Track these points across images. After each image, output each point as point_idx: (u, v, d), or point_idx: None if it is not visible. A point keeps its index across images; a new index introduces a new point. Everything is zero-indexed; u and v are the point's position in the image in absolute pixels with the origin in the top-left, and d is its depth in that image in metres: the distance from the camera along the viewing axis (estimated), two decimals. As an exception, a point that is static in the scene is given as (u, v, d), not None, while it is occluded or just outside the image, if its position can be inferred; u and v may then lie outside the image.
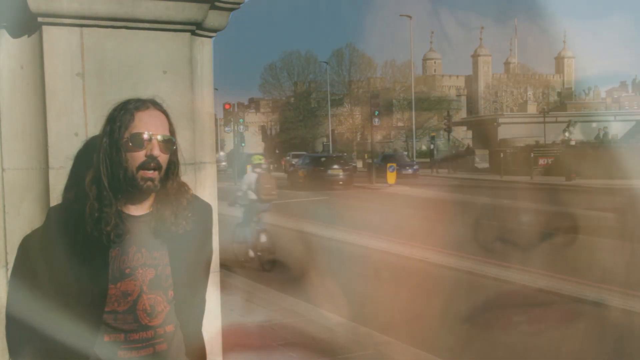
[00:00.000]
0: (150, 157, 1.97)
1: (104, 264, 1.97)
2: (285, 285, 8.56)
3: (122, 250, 1.99)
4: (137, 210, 2.05)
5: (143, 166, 1.97)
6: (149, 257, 2.02)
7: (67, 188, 2.15)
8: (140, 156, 1.98)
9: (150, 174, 1.98)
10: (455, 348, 6.21)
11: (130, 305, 2.00)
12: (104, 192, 1.97)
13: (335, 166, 28.47)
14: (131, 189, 2.00)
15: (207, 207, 2.22)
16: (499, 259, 10.08)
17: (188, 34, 2.44)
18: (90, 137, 2.22)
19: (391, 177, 28.52)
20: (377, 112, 33.14)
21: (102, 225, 1.95)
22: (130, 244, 2.01)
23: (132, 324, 2.00)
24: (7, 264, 2.23)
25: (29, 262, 2.19)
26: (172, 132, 2.05)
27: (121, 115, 2.00)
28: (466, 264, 9.89)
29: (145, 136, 1.97)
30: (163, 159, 2.01)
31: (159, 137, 1.99)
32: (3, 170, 2.24)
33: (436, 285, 8.84)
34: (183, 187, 2.10)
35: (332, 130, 67.50)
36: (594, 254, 10.31)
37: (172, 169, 2.05)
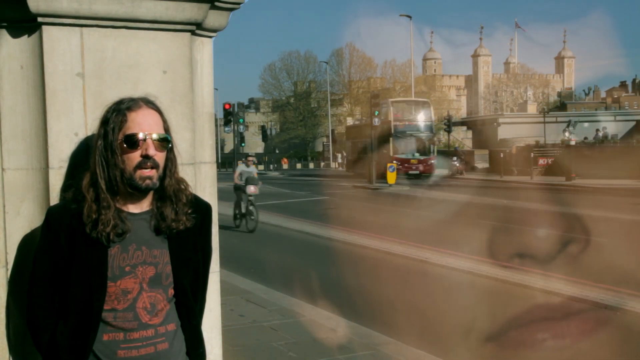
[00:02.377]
0: (146, 157, 1.98)
1: (103, 263, 1.97)
2: (286, 285, 8.56)
3: (122, 248, 2.00)
4: (136, 208, 2.05)
5: (140, 166, 1.97)
6: (149, 255, 2.03)
7: (66, 188, 2.15)
8: (135, 157, 1.98)
9: (148, 172, 1.98)
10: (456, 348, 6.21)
11: (130, 303, 2.00)
12: (101, 195, 1.98)
13: None
14: (130, 189, 2.00)
15: (207, 207, 2.22)
16: (498, 259, 10.06)
17: (188, 34, 2.44)
18: (86, 137, 2.21)
19: (391, 177, 28.51)
20: (377, 112, 33.16)
21: (101, 227, 1.95)
22: (130, 241, 2.01)
23: (132, 321, 2.00)
24: (7, 264, 2.23)
25: (29, 261, 2.19)
26: (166, 129, 2.05)
27: (114, 117, 2.00)
28: (465, 264, 9.89)
29: (140, 136, 1.97)
30: (159, 157, 2.01)
31: (154, 137, 1.99)
32: (3, 170, 2.24)
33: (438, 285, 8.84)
34: (182, 184, 2.10)
35: (332, 130, 67.50)
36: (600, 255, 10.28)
37: (169, 167, 2.05)
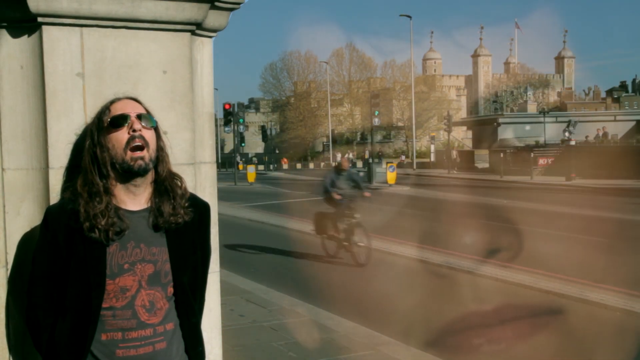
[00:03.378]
0: (134, 132, 2.01)
1: (102, 261, 1.98)
2: (287, 286, 8.56)
3: (121, 245, 2.00)
4: (134, 205, 2.05)
5: (129, 144, 1.99)
6: (147, 253, 2.03)
7: (64, 189, 2.15)
8: (123, 135, 2.01)
9: (139, 153, 2.00)
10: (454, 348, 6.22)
11: (128, 301, 2.00)
12: (94, 190, 1.99)
13: None
14: (123, 172, 2.01)
15: (206, 206, 2.23)
16: (494, 258, 10.09)
17: (188, 34, 2.44)
18: (81, 135, 2.21)
19: (391, 177, 28.52)
20: (377, 112, 33.21)
21: (98, 224, 1.95)
22: (129, 239, 2.01)
23: (130, 320, 2.00)
24: (7, 264, 2.23)
25: (29, 261, 2.19)
26: (150, 114, 2.10)
27: (99, 114, 2.08)
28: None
29: (123, 116, 2.03)
30: (147, 135, 2.03)
31: (137, 113, 2.04)
32: (3, 170, 2.24)
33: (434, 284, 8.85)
34: (176, 177, 2.12)
35: (332, 130, 67.57)
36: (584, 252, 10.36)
37: (161, 153, 2.08)
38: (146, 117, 2.06)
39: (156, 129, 2.08)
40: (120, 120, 2.02)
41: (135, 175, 2.02)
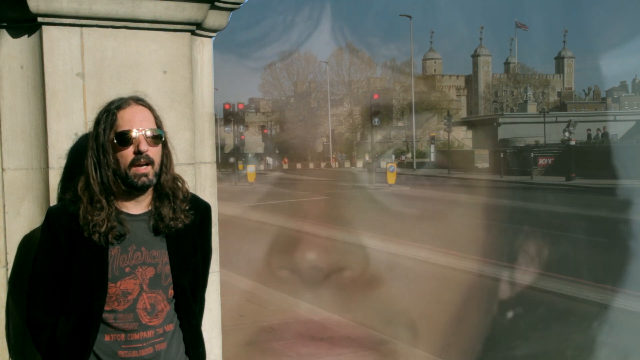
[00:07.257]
0: (139, 153, 1.98)
1: (104, 264, 1.97)
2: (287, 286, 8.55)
3: (122, 249, 2.00)
4: (135, 208, 2.05)
5: (134, 163, 1.98)
6: (148, 256, 2.03)
7: (64, 189, 2.15)
8: (129, 154, 1.98)
9: (143, 169, 1.99)
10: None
11: (130, 304, 2.00)
12: (95, 197, 1.98)
13: None
14: (126, 187, 2.00)
15: (207, 206, 2.22)
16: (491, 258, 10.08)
17: (188, 34, 2.44)
18: (82, 136, 2.21)
19: (391, 177, 28.52)
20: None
21: (96, 228, 1.95)
22: (130, 242, 2.01)
23: (132, 322, 2.00)
24: (7, 264, 2.23)
25: (29, 261, 2.19)
26: (158, 125, 2.05)
27: (104, 118, 2.02)
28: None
29: (130, 133, 1.98)
30: (153, 152, 2.01)
31: (145, 131, 2.00)
32: (3, 170, 2.24)
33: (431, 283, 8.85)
34: (178, 180, 2.10)
35: (332, 130, 67.56)
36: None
37: (165, 162, 2.06)
38: (154, 132, 2.01)
39: (163, 140, 2.05)
40: (127, 139, 1.98)
41: (138, 191, 2.02)
